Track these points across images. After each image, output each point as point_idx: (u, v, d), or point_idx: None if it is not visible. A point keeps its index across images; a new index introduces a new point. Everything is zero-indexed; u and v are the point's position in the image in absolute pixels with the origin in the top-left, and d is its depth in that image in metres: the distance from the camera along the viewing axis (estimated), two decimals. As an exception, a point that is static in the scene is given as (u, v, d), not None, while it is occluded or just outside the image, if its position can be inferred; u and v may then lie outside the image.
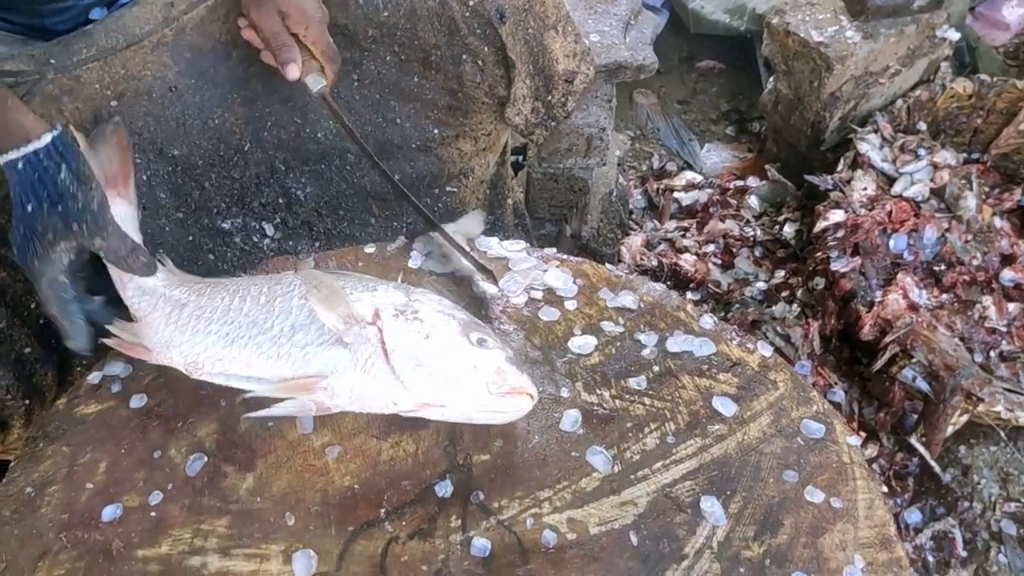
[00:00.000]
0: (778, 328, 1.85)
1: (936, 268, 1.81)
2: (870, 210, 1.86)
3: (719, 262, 2.12)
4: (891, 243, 1.82)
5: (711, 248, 2.14)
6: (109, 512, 0.96)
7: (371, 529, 0.94)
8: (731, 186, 2.39)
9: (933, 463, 1.76)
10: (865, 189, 1.93)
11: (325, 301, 0.99)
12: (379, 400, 0.99)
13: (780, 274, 2.02)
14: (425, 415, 1.00)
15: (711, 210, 2.29)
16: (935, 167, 1.97)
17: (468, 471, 0.99)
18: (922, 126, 2.13)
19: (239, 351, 1.00)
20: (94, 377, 1.11)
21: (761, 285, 2.02)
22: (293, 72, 1.18)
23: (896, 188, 1.95)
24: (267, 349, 0.99)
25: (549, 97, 1.46)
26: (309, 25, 1.18)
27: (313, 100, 1.34)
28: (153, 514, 0.96)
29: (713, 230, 2.18)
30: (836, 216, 1.87)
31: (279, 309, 1.02)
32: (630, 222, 2.34)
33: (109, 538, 0.94)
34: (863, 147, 2.03)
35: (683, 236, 2.23)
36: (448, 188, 1.54)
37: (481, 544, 0.93)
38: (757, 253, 2.14)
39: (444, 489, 0.97)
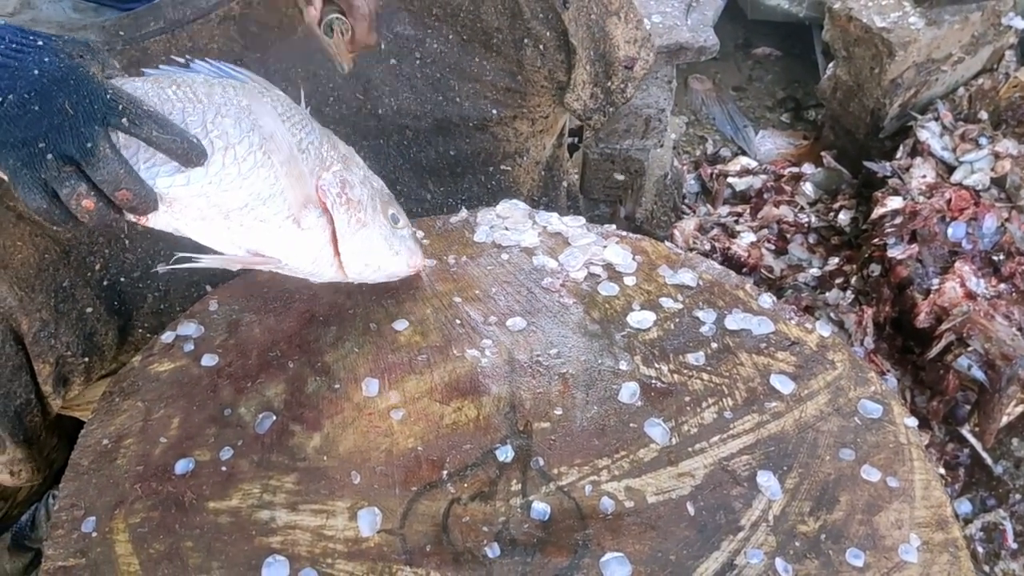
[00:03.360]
0: (831, 314, 1.84)
1: (995, 258, 1.79)
2: (929, 198, 1.85)
3: (772, 247, 2.11)
4: (949, 231, 1.80)
5: (764, 233, 2.14)
6: (182, 465, 0.99)
7: (434, 490, 0.97)
8: (785, 172, 2.38)
9: (984, 454, 1.76)
10: (924, 177, 1.91)
11: (288, 170, 0.97)
12: (314, 279, 1.08)
13: (834, 261, 2.01)
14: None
15: (765, 196, 2.29)
16: (996, 156, 1.95)
17: (528, 437, 1.02)
18: (983, 115, 2.10)
19: (213, 208, 0.95)
20: (167, 336, 1.14)
21: (815, 271, 2.01)
22: (307, 13, 1.17)
23: (956, 176, 1.93)
24: (235, 214, 0.96)
25: (608, 83, 1.47)
26: None
27: (376, 75, 1.37)
28: (224, 469, 0.99)
29: (767, 216, 2.18)
30: (894, 203, 1.85)
31: (247, 170, 0.96)
32: (683, 206, 2.34)
33: (182, 490, 0.97)
34: (923, 135, 2.01)
35: (736, 222, 2.22)
36: (503, 167, 1.56)
37: (541, 508, 0.95)
38: (811, 240, 2.13)
39: (505, 454, 1.00)
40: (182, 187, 0.92)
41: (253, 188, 0.96)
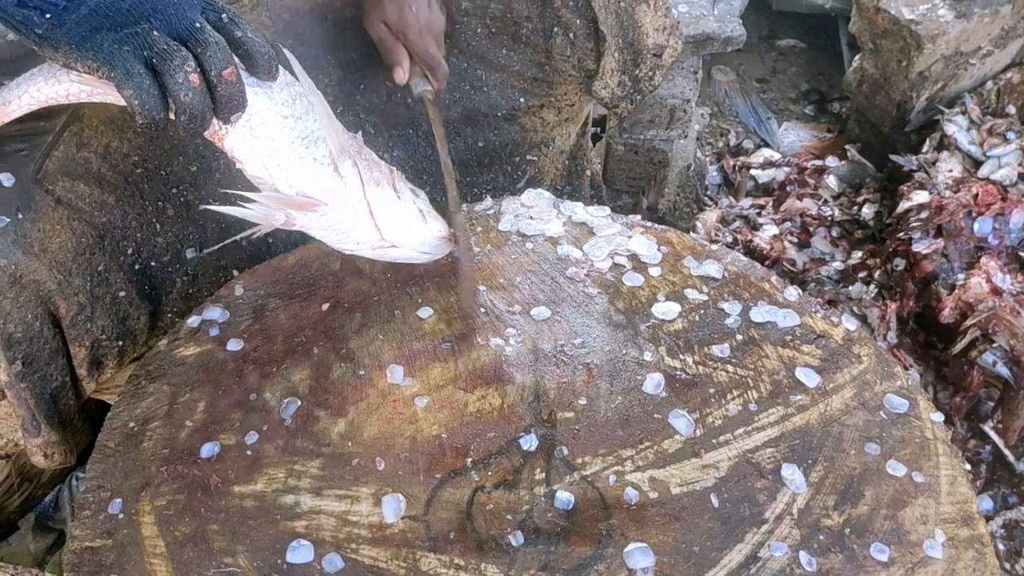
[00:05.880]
0: (854, 309, 1.83)
1: (1021, 253, 1.77)
2: (955, 192, 1.83)
3: (795, 241, 2.10)
4: (976, 226, 1.78)
5: (787, 226, 2.13)
6: (207, 449, 1.00)
7: (458, 477, 0.97)
8: (809, 165, 2.37)
9: (1007, 451, 1.74)
10: (951, 171, 1.90)
11: (328, 121, 1.01)
12: (351, 237, 1.05)
13: (857, 255, 2.00)
14: (366, 255, 1.09)
15: (788, 188, 2.27)
16: (1024, 151, 1.93)
17: (552, 427, 1.02)
18: (1011, 109, 2.08)
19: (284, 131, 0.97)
20: (193, 321, 1.15)
21: (838, 265, 2.00)
22: (396, 76, 1.24)
23: (983, 171, 1.91)
24: (297, 145, 0.98)
25: (636, 71, 1.47)
26: (406, 33, 1.23)
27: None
28: (249, 453, 1.00)
29: (790, 208, 2.16)
30: (920, 197, 1.84)
31: (304, 108, 1.00)
32: (706, 198, 2.33)
33: (207, 473, 0.98)
34: (950, 128, 1.99)
35: (759, 214, 2.21)
36: (528, 157, 1.56)
37: (565, 497, 0.95)
38: (834, 233, 2.11)
39: (529, 443, 1.00)
40: (264, 99, 0.94)
41: (307, 126, 0.98)
